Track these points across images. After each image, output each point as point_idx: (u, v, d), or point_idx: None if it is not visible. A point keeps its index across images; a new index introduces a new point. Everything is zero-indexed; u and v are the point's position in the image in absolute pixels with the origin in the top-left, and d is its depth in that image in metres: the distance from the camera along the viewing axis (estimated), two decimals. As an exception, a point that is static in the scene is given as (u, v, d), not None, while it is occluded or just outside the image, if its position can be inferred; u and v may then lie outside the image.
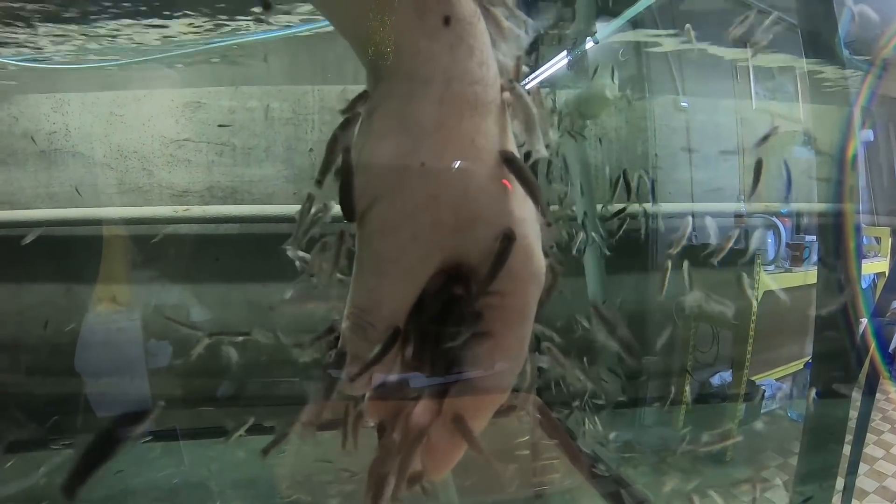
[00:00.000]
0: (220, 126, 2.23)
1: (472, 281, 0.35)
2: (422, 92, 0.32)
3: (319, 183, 0.38)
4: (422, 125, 0.32)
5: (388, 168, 0.33)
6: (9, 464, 2.11)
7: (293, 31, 1.68)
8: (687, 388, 2.75)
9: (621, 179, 1.70)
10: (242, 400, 1.99)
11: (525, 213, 0.35)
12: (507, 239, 0.34)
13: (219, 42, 1.89)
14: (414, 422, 0.37)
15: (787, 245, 2.99)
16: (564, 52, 2.21)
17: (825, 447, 1.58)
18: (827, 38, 1.58)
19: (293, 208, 2.17)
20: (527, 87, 0.37)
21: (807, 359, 3.10)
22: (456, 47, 0.32)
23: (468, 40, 0.32)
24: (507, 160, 0.34)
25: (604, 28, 2.06)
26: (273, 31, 1.80)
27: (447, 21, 0.32)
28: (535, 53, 2.27)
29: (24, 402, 2.28)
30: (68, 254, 2.25)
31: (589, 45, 2.17)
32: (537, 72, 2.29)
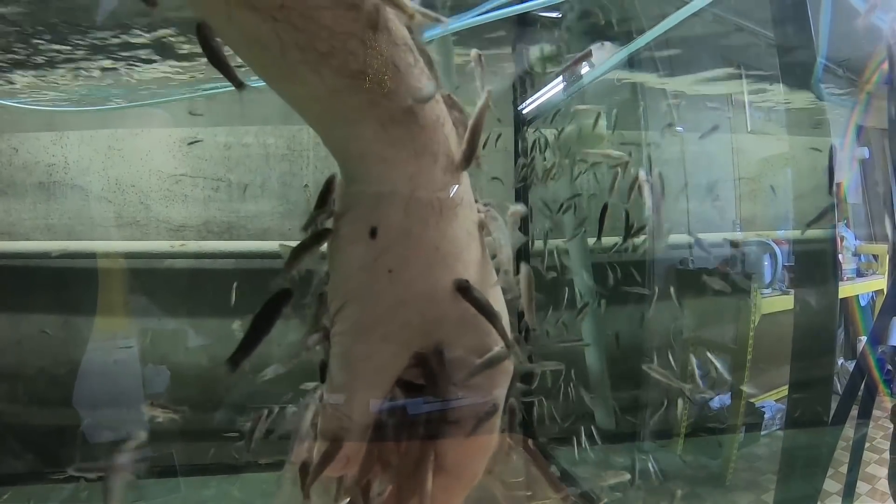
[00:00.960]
0: (189, 144, 2.25)
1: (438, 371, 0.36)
2: (388, 199, 0.34)
3: (288, 270, 0.39)
4: (388, 233, 0.34)
5: (358, 273, 0.35)
6: (5, 496, 2.11)
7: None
8: (685, 413, 2.73)
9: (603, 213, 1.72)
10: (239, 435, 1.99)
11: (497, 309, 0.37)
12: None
13: (213, 90, 1.92)
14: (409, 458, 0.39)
15: (784, 267, 2.98)
16: (560, 78, 2.22)
17: (803, 476, 1.57)
18: (804, 70, 1.58)
19: (289, 244, 2.18)
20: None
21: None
22: (420, 155, 0.33)
23: (432, 147, 0.34)
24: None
25: (598, 62, 2.08)
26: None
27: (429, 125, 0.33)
28: (529, 84, 2.29)
29: (21, 433, 2.29)
30: (66, 285, 2.26)
31: (585, 69, 2.18)
32: (531, 99, 2.31)
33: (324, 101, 0.33)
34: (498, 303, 0.38)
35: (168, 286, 2.12)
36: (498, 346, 0.37)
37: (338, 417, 0.37)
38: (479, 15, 1.44)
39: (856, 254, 3.40)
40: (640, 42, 1.93)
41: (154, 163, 2.35)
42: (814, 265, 1.79)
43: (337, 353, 0.37)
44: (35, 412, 2.32)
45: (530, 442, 2.13)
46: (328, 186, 0.38)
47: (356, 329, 0.35)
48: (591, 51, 1.69)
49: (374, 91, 0.32)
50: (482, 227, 0.38)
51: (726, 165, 2.41)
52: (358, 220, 0.34)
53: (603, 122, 1.82)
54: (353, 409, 0.37)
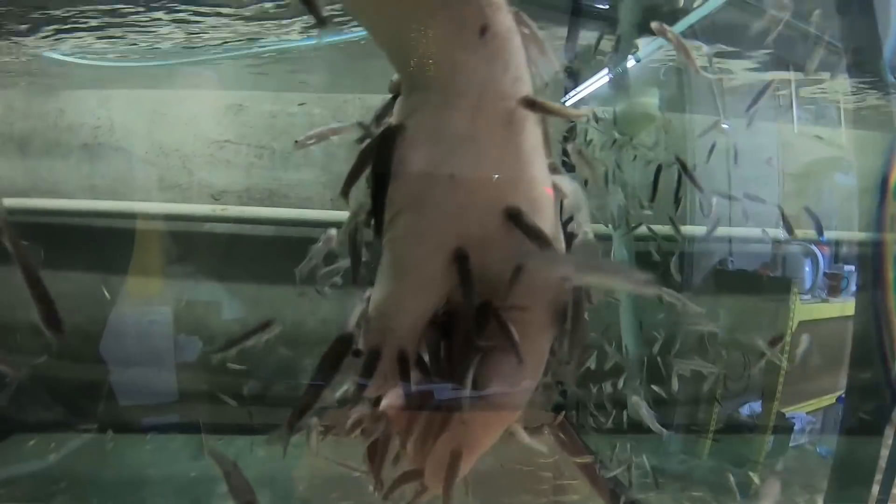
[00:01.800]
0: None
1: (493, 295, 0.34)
2: (456, 104, 0.32)
3: (345, 194, 0.38)
4: (454, 137, 0.33)
5: (419, 178, 0.33)
6: (31, 443, 2.17)
7: (339, 38, 1.71)
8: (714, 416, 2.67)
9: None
10: (268, 399, 2.00)
11: (550, 231, 0.35)
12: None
13: (264, 47, 1.93)
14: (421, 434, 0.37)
15: (825, 274, 2.89)
16: (605, 70, 2.19)
17: (854, 486, 1.52)
18: (871, 61, 1.53)
19: (330, 213, 2.19)
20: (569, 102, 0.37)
21: (840, 393, 2.99)
22: (492, 62, 0.32)
23: (503, 56, 0.33)
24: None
25: (646, 45, 2.04)
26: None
27: (483, 32, 0.31)
28: (576, 70, 2.26)
29: (52, 386, 2.34)
30: (106, 245, 2.30)
31: (630, 63, 2.15)
32: (578, 89, 2.28)
33: (395, 8, 0.32)
34: (552, 226, 0.36)
35: (207, 250, 2.15)
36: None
37: (381, 330, 0.35)
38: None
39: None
40: (685, 23, 1.88)
41: (199, 128, 2.37)
42: (872, 269, 1.73)
43: (387, 262, 0.35)
44: (67, 367, 2.37)
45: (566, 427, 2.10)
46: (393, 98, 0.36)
47: (411, 235, 0.34)
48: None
49: None
50: (554, 169, 0.37)
51: (772, 160, 2.34)
52: (421, 125, 0.33)
53: (655, 101, 1.79)
54: (399, 321, 0.35)
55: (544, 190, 0.35)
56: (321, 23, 0.37)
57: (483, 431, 0.37)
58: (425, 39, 0.32)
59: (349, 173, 0.38)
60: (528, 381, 0.36)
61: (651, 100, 1.82)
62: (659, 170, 1.51)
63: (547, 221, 0.35)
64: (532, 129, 0.35)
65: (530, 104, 0.33)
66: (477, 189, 0.33)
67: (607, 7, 2.13)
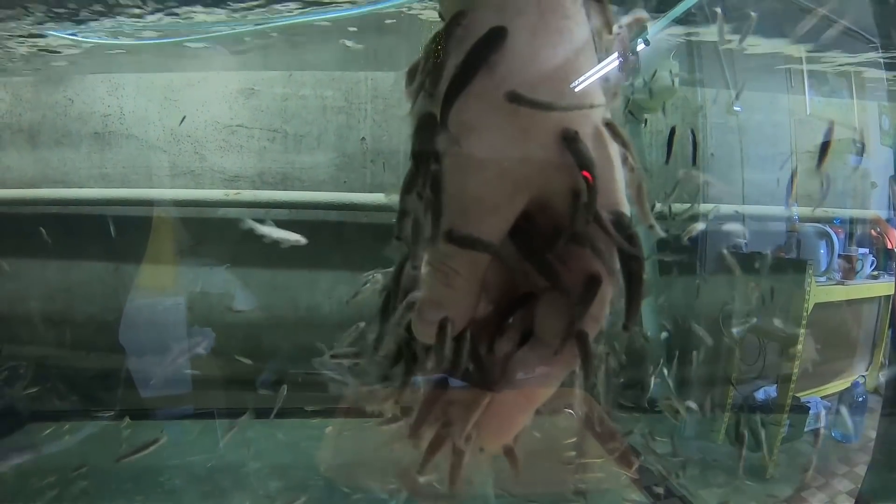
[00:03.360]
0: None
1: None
2: (515, 22, 0.31)
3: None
4: (514, 56, 0.31)
5: (476, 101, 0.31)
6: (47, 431, 2.17)
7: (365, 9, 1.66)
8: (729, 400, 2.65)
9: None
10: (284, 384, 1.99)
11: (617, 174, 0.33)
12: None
13: (274, 22, 1.90)
14: (465, 398, 0.36)
15: (840, 256, 2.86)
16: (615, 55, 2.15)
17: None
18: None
19: (343, 196, 2.16)
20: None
21: (855, 377, 2.97)
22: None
23: None
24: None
25: (656, 25, 2.01)
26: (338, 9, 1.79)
27: None
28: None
29: (67, 375, 2.34)
30: (118, 233, 2.29)
31: (640, 46, 2.12)
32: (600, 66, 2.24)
33: None
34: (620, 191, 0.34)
35: (221, 235, 2.13)
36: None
37: (444, 272, 0.33)
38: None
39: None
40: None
41: (210, 113, 2.36)
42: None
43: (444, 197, 0.33)
44: (83, 356, 2.37)
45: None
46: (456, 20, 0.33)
47: (470, 163, 0.32)
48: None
49: None
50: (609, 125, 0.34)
51: (786, 137, 2.31)
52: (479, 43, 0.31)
53: (675, 71, 1.76)
54: (463, 262, 0.33)
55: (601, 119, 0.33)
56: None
57: (518, 409, 0.36)
58: None
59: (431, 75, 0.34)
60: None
61: (671, 69, 1.78)
62: (673, 132, 1.47)
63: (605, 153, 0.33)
64: (591, 52, 0.33)
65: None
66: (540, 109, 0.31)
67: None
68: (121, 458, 1.56)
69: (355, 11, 1.72)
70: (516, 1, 0.31)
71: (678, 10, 1.90)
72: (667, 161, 1.68)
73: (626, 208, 0.33)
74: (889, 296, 2.94)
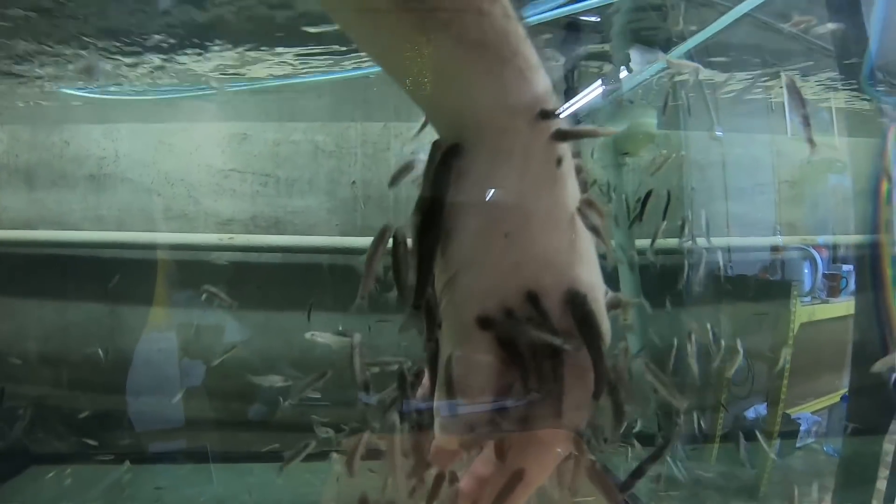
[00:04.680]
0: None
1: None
2: (505, 165, 0.35)
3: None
4: (505, 197, 0.35)
5: (473, 238, 0.35)
6: (50, 474, 2.17)
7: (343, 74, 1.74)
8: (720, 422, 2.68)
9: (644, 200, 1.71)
10: (275, 425, 2.02)
11: (595, 280, 0.38)
12: (582, 306, 0.36)
13: (267, 82, 1.96)
14: (476, 471, 0.39)
15: (824, 275, 2.91)
16: (599, 81, 2.22)
17: (862, 483, 1.53)
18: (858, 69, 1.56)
19: (335, 240, 2.20)
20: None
21: (843, 391, 3.01)
22: (534, 124, 0.34)
23: (541, 119, 0.34)
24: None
25: (641, 61, 2.07)
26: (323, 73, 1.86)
27: (542, 115, 0.34)
28: (571, 82, 2.29)
29: (65, 416, 2.35)
30: (114, 275, 2.32)
31: (623, 74, 2.18)
32: (572, 101, 2.31)
33: (440, 70, 0.34)
34: (596, 275, 0.38)
35: (215, 279, 2.16)
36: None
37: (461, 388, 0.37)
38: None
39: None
40: (684, 47, 1.92)
41: (203, 157, 2.40)
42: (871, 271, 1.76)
43: (449, 327, 0.37)
44: (78, 397, 2.38)
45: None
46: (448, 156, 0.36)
47: (471, 296, 0.36)
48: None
49: (493, 59, 0.33)
50: (590, 204, 0.39)
51: (768, 168, 2.38)
52: (475, 187, 0.35)
53: (653, 121, 1.82)
54: (471, 391, 0.36)
55: (588, 242, 0.38)
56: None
57: (534, 467, 0.38)
58: (473, 105, 0.34)
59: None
60: (575, 416, 0.38)
61: (650, 120, 1.85)
62: (649, 194, 1.55)
63: (593, 277, 0.37)
64: (574, 181, 0.37)
65: (562, 135, 0.35)
66: (532, 243, 0.35)
67: (599, 20, 2.16)
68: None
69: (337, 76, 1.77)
70: (507, 145, 0.34)
71: (674, 54, 1.97)
72: (640, 219, 1.75)
73: (585, 284, 0.36)
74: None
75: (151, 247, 2.25)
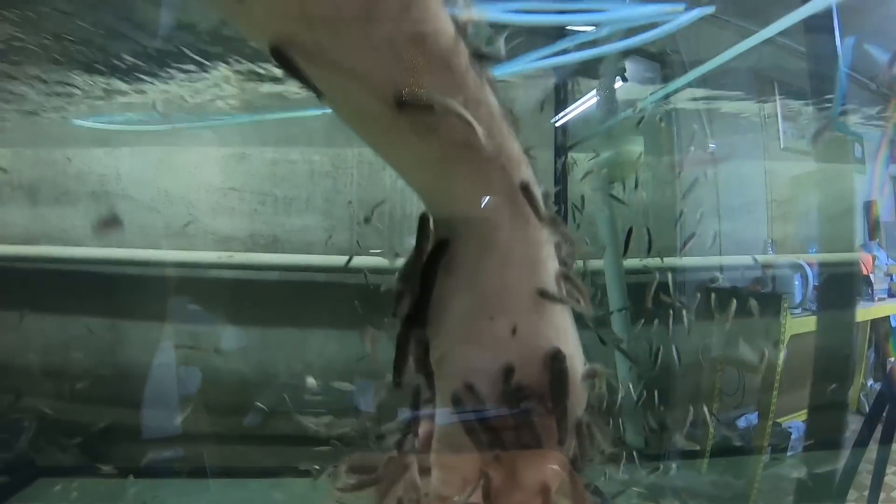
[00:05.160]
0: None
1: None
2: (490, 255, 0.39)
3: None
4: (490, 284, 0.39)
5: (461, 321, 0.39)
6: (56, 487, 2.21)
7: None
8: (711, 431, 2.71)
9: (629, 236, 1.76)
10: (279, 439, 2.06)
11: (573, 351, 0.42)
12: (560, 372, 0.40)
13: (267, 116, 1.98)
14: None
15: (815, 288, 2.94)
16: (594, 91, 2.24)
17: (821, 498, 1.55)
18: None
19: (331, 258, 2.23)
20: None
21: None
22: (515, 216, 0.39)
23: (524, 209, 0.39)
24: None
25: (637, 74, 2.11)
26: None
27: (523, 189, 0.38)
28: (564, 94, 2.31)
29: (67, 428, 2.39)
30: (115, 291, 2.36)
31: (618, 84, 2.21)
32: (567, 110, 2.33)
33: (432, 168, 0.38)
34: (574, 346, 0.43)
35: (214, 295, 2.21)
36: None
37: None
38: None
39: (888, 273, 3.33)
40: (683, 80, 1.96)
41: (203, 176, 2.45)
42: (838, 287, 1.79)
43: (441, 399, 0.41)
44: (81, 410, 2.42)
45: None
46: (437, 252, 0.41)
47: (459, 371, 0.39)
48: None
49: (478, 157, 0.36)
50: (565, 277, 0.43)
51: (759, 187, 2.42)
52: (461, 276, 0.39)
53: (640, 148, 1.86)
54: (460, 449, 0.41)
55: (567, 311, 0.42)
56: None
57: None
58: (461, 201, 0.38)
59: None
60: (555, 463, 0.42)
61: (636, 147, 1.89)
62: (630, 231, 1.60)
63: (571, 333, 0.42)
64: (553, 260, 0.41)
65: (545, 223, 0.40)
66: (515, 325, 0.39)
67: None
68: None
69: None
70: (492, 237, 0.38)
71: (669, 89, 2.01)
72: (624, 255, 1.80)
73: (560, 341, 0.40)
74: (865, 321, 3.03)
75: (153, 264, 2.29)
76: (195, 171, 2.45)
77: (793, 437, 2.91)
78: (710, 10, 1.49)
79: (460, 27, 0.36)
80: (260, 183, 2.44)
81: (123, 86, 1.91)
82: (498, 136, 0.37)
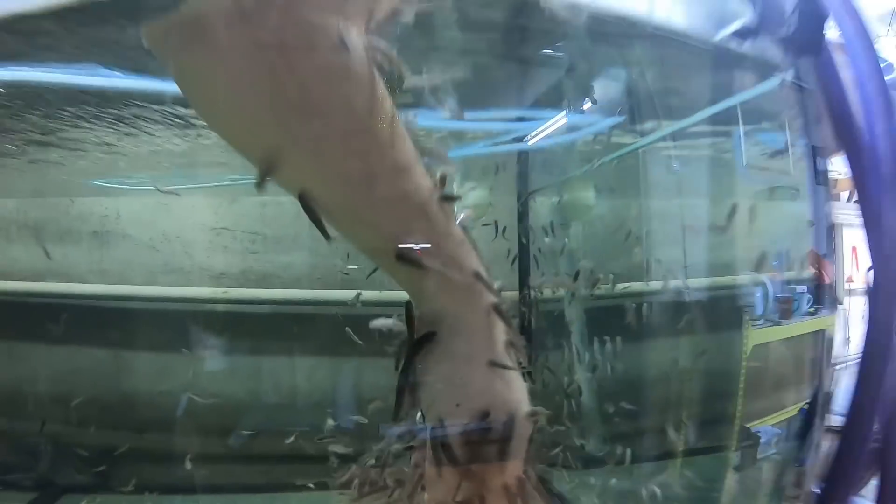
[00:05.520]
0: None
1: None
2: (459, 339, 0.64)
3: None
4: (459, 356, 0.62)
5: (442, 381, 0.64)
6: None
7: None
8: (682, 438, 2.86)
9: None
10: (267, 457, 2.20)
11: (521, 396, 0.65)
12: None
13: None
14: None
15: (776, 299, 3.09)
16: (563, 112, 2.39)
17: None
18: None
19: (318, 293, 2.40)
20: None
21: (802, 404, 3.18)
22: (474, 309, 0.62)
23: (477, 287, 0.63)
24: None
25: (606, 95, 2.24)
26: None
27: (476, 276, 0.60)
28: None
29: (75, 452, 2.53)
30: (118, 324, 2.52)
31: (587, 105, 2.36)
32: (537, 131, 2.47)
33: (418, 282, 0.62)
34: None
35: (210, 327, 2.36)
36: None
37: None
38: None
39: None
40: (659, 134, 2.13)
41: (198, 217, 2.62)
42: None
43: (431, 427, 0.62)
44: (86, 433, 2.56)
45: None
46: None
47: (443, 413, 0.62)
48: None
49: (449, 279, 0.60)
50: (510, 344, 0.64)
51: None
52: (439, 354, 0.60)
53: (590, 194, 2.04)
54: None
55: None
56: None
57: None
58: (420, 286, 0.59)
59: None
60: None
61: (588, 193, 2.07)
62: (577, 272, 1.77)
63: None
64: (501, 332, 0.62)
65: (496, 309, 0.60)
66: (476, 383, 0.62)
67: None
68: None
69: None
70: (458, 326, 0.61)
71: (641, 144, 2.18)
72: (574, 282, 1.99)
73: (514, 402, 0.63)
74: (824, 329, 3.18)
75: (151, 299, 2.45)
76: (191, 212, 2.62)
77: (762, 440, 3.06)
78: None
79: (434, 179, 0.59)
80: (251, 223, 2.63)
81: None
82: (460, 257, 0.60)
